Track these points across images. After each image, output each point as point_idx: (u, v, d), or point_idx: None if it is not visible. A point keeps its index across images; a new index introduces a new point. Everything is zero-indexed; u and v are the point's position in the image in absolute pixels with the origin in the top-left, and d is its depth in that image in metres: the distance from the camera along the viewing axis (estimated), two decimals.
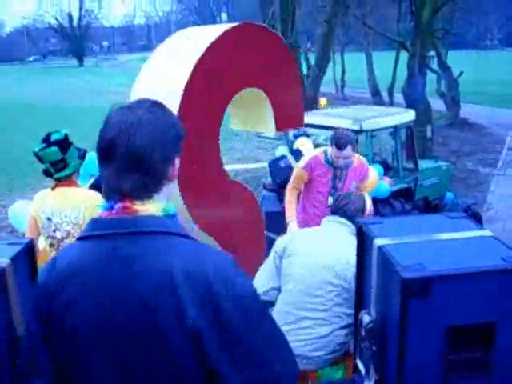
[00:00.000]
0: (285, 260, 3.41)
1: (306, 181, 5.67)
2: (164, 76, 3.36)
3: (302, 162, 5.78)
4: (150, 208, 1.61)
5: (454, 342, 1.98)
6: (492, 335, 2.00)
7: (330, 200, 5.15)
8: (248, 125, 4.08)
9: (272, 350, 1.62)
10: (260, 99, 3.84)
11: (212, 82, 3.45)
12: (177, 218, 1.69)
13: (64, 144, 4.00)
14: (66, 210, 4.01)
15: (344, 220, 3.49)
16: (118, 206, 1.60)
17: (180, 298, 1.51)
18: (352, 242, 3.31)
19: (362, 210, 3.61)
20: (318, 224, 3.72)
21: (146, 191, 1.61)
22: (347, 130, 5.72)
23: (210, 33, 3.46)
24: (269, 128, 3.97)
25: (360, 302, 2.42)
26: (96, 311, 1.57)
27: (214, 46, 3.36)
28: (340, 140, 5.30)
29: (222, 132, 3.96)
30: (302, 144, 7.51)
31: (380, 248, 2.09)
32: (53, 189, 4.09)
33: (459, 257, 2.03)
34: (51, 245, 4.08)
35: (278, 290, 3.43)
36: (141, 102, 1.67)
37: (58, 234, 4.06)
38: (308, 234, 3.64)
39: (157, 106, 1.68)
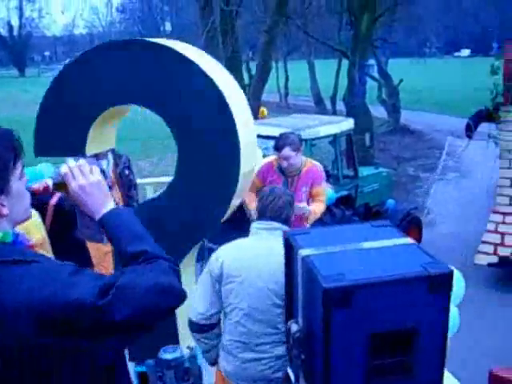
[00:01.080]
0: (224, 287, 3.27)
1: (260, 188, 5.68)
2: None
3: (257, 168, 5.82)
4: None
5: (376, 347, 2.04)
6: (413, 339, 2.08)
7: None
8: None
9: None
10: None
11: None
12: (18, 242, 1.73)
13: None
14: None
15: (273, 223, 3.28)
16: None
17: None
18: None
19: (291, 202, 3.41)
20: None
21: None
22: (292, 133, 5.76)
23: None
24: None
25: (290, 312, 2.47)
26: None
27: None
28: (278, 141, 5.41)
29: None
30: None
31: (304, 258, 2.14)
32: None
33: (380, 265, 2.10)
34: None
35: (220, 311, 3.34)
36: None
37: None
38: (240, 253, 3.30)
39: None
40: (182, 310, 2.18)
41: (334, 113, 26.54)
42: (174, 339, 3.62)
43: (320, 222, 7.81)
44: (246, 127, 3.74)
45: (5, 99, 37.24)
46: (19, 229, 3.72)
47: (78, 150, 3.44)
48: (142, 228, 1.87)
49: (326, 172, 9.00)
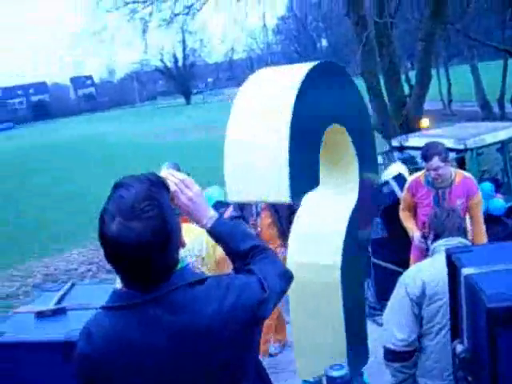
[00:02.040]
0: (428, 308, 3.15)
1: (413, 204, 5.65)
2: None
3: (406, 184, 5.77)
4: None
5: None
6: None
7: None
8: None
9: None
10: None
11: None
12: (188, 265, 1.94)
13: None
14: (188, 244, 4.26)
15: (455, 239, 3.24)
16: None
17: (218, 339, 1.76)
18: None
19: (460, 214, 3.44)
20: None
21: None
22: (440, 142, 5.56)
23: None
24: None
25: (455, 331, 2.42)
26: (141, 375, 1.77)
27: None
28: (425, 151, 5.25)
29: None
30: (396, 170, 7.43)
31: (467, 277, 2.10)
32: None
33: None
34: None
35: (419, 336, 3.24)
36: None
37: None
38: (438, 271, 3.04)
39: None
40: None
41: (503, 116, 25.23)
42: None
43: (491, 233, 7.50)
44: None
45: (171, 127, 39.64)
46: (210, 244, 4.12)
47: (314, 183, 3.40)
48: (241, 226, 2.18)
49: (496, 181, 8.63)
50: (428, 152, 5.23)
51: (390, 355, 3.25)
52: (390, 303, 3.36)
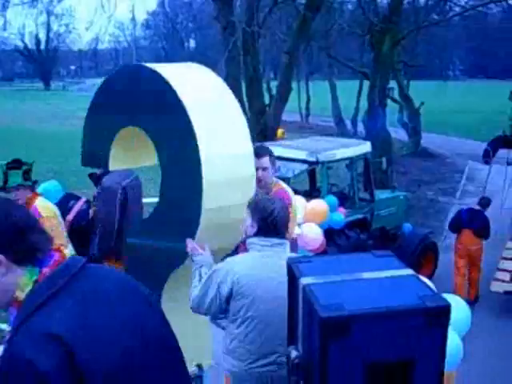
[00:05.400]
0: (234, 302, 3.28)
1: None
2: None
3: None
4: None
5: (374, 378, 2.07)
6: (409, 371, 2.10)
7: None
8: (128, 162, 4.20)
9: None
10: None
11: None
12: None
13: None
14: None
15: (275, 240, 3.28)
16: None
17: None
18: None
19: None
20: None
21: None
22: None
23: None
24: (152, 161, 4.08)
25: (291, 337, 2.51)
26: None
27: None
28: (258, 149, 5.06)
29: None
30: None
31: (304, 287, 2.18)
32: None
33: (379, 296, 2.13)
34: None
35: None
36: None
37: None
38: (244, 273, 3.22)
39: None
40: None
41: (355, 134, 26.57)
42: None
43: (334, 244, 7.88)
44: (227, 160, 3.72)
45: (30, 112, 37.81)
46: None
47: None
48: None
49: (343, 195, 9.07)
50: (261, 150, 5.01)
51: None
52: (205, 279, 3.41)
